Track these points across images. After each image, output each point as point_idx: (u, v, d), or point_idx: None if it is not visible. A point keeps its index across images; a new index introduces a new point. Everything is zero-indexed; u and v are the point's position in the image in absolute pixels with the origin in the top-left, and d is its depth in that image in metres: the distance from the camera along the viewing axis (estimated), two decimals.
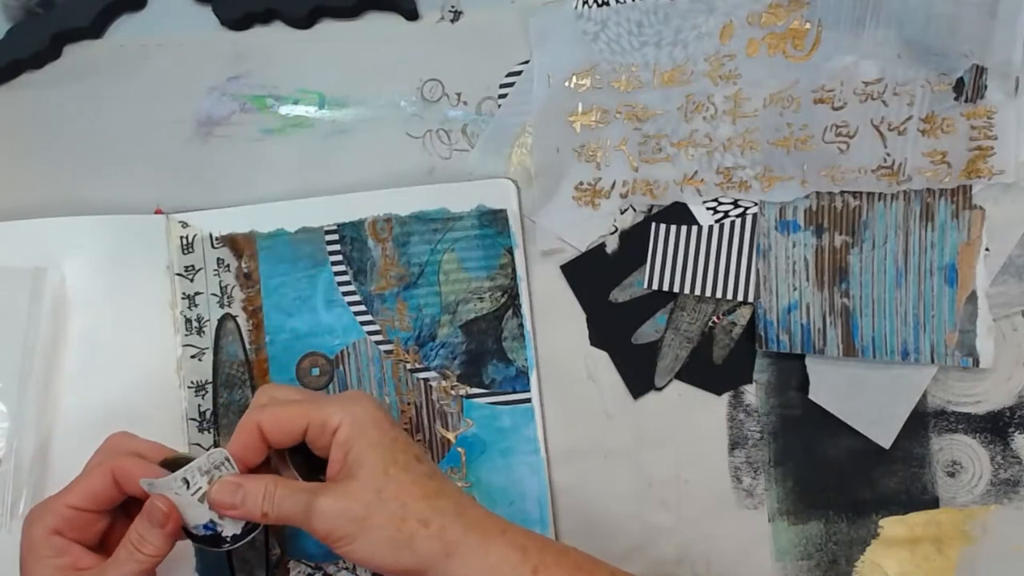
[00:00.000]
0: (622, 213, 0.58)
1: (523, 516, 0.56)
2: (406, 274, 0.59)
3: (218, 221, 0.59)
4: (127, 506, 0.49)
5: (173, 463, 0.47)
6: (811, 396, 0.56)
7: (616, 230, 0.58)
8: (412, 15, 0.61)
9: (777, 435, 0.57)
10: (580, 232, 0.58)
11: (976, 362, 0.55)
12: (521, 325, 0.58)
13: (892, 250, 0.56)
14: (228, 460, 0.47)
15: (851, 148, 0.56)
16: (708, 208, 0.58)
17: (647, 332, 0.58)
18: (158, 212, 0.60)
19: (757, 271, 0.57)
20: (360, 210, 0.59)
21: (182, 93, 0.61)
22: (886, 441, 0.56)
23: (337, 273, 0.59)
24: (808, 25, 0.57)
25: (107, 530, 0.49)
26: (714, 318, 0.57)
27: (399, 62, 0.61)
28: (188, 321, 0.58)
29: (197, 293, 0.59)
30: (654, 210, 0.58)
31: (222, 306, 0.59)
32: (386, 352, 0.58)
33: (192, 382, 0.58)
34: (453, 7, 0.61)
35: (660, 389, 0.57)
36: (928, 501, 0.56)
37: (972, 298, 0.55)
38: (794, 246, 0.57)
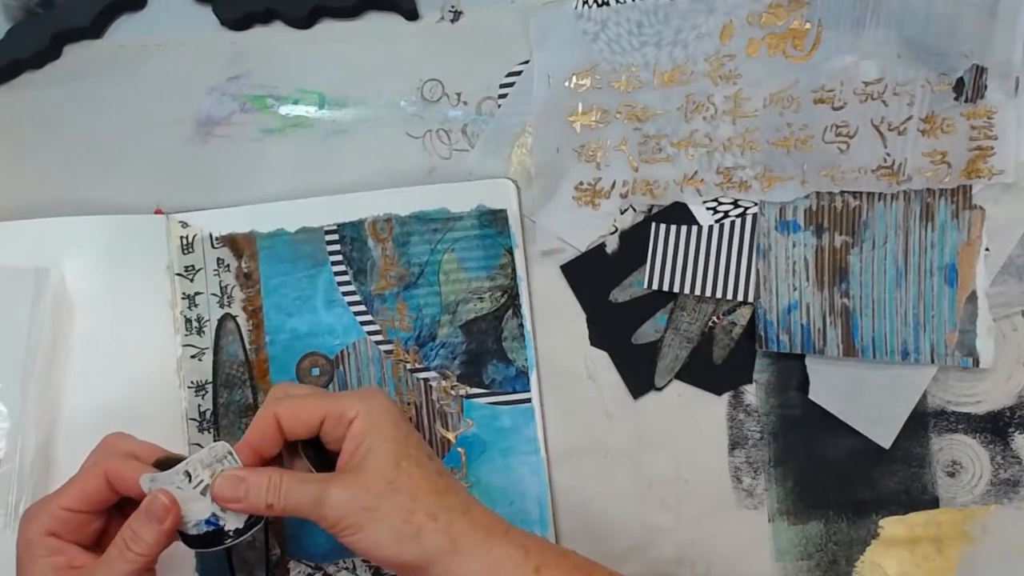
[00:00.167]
0: (622, 213, 0.58)
1: (523, 516, 0.56)
2: (406, 274, 0.59)
3: (218, 221, 0.59)
4: (123, 506, 0.49)
5: (166, 463, 0.47)
6: (811, 396, 0.56)
7: (616, 230, 0.58)
8: (412, 15, 0.61)
9: (777, 435, 0.57)
10: (580, 232, 0.58)
11: (976, 362, 0.55)
12: (521, 325, 0.58)
13: (892, 250, 0.56)
14: (231, 454, 0.47)
15: (851, 148, 0.56)
16: (708, 208, 0.58)
17: (647, 332, 0.58)
18: (158, 212, 0.60)
19: (757, 271, 0.57)
20: (360, 210, 0.59)
21: (182, 93, 0.61)
22: (886, 441, 0.56)
23: (337, 273, 0.59)
24: (808, 25, 0.57)
25: (103, 530, 0.49)
26: (714, 318, 0.57)
27: (399, 62, 0.61)
28: (188, 321, 0.58)
29: (197, 293, 0.59)
30: (654, 210, 0.58)
31: (222, 306, 0.59)
32: (386, 352, 0.58)
33: (192, 382, 0.58)
34: (453, 7, 0.61)
35: (660, 389, 0.57)
36: (928, 501, 0.56)
37: (972, 298, 0.55)
38: (794, 246, 0.57)
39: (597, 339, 0.58)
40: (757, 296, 0.57)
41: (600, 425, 0.58)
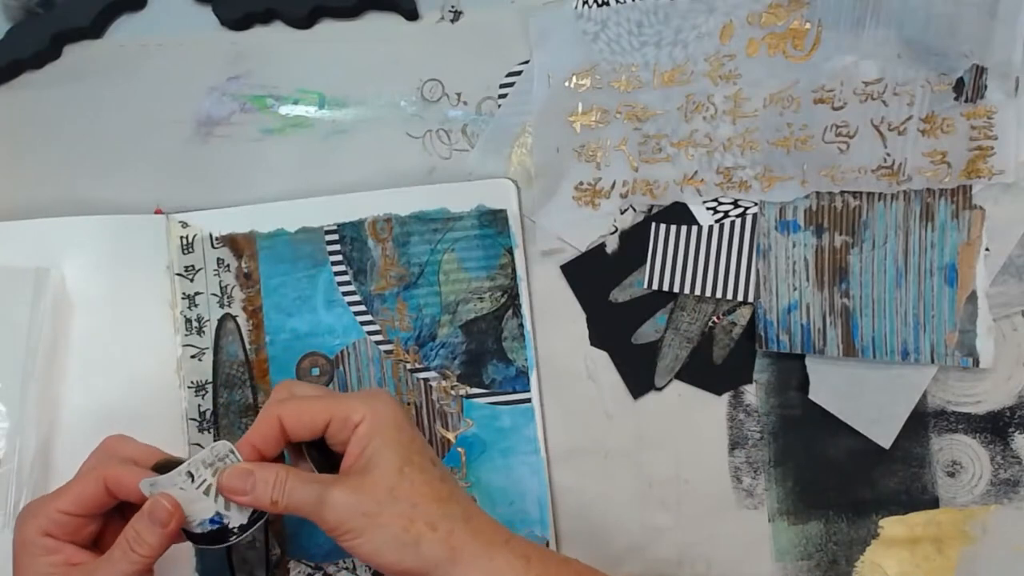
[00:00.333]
0: (622, 213, 0.58)
1: (523, 516, 0.56)
2: (406, 274, 0.59)
3: (218, 221, 0.59)
4: (121, 507, 0.48)
5: (164, 466, 0.47)
6: (811, 396, 0.56)
7: (616, 230, 0.58)
8: (412, 15, 0.61)
9: (777, 435, 0.57)
10: (580, 232, 0.58)
11: (976, 362, 0.55)
12: (521, 325, 0.58)
13: (892, 250, 0.56)
14: (232, 452, 0.47)
15: (851, 148, 0.56)
16: (708, 208, 0.58)
17: (647, 332, 0.58)
18: (158, 212, 0.60)
19: (757, 271, 0.57)
20: (360, 210, 0.59)
21: (182, 93, 0.61)
22: (886, 441, 0.56)
23: (337, 273, 0.59)
24: (808, 25, 0.57)
25: (100, 531, 0.49)
26: (714, 318, 0.57)
27: (399, 62, 0.61)
28: (188, 321, 0.58)
29: (197, 293, 0.59)
30: (654, 210, 0.58)
31: (222, 306, 0.59)
32: (386, 352, 0.58)
33: (192, 382, 0.58)
34: (453, 7, 0.61)
35: (660, 389, 0.57)
36: (928, 501, 0.56)
37: (972, 298, 0.55)
38: (794, 246, 0.57)
39: (597, 339, 0.58)
40: (757, 296, 0.57)
41: (600, 425, 0.57)
